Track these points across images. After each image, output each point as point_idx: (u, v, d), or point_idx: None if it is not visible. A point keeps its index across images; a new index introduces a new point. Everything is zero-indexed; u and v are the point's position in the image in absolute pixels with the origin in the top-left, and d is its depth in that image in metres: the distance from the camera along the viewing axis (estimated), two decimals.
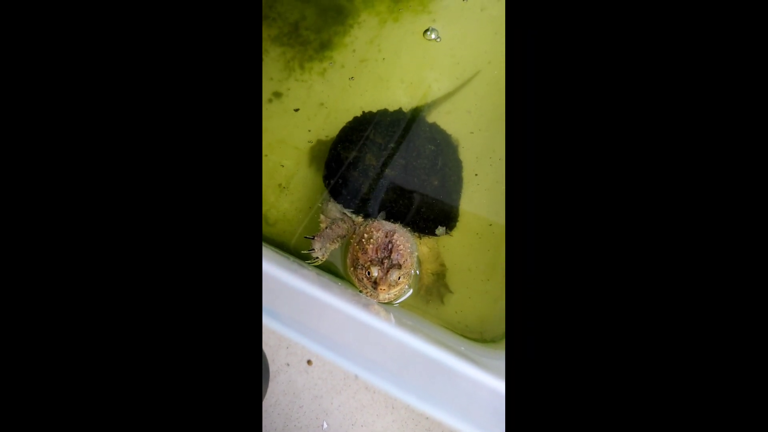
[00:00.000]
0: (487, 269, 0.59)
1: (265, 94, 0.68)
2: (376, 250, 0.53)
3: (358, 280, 0.54)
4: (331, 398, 0.67)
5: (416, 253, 0.58)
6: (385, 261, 0.53)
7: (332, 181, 0.59)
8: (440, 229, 0.58)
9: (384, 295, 0.53)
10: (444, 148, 0.62)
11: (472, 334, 0.57)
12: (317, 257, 0.57)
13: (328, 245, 0.58)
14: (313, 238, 0.58)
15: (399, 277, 0.52)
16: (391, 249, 0.53)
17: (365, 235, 0.54)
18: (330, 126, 0.66)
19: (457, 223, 0.60)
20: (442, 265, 0.58)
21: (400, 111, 0.64)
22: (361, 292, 0.55)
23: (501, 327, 0.57)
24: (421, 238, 0.58)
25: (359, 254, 0.54)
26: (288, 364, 0.68)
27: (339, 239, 0.59)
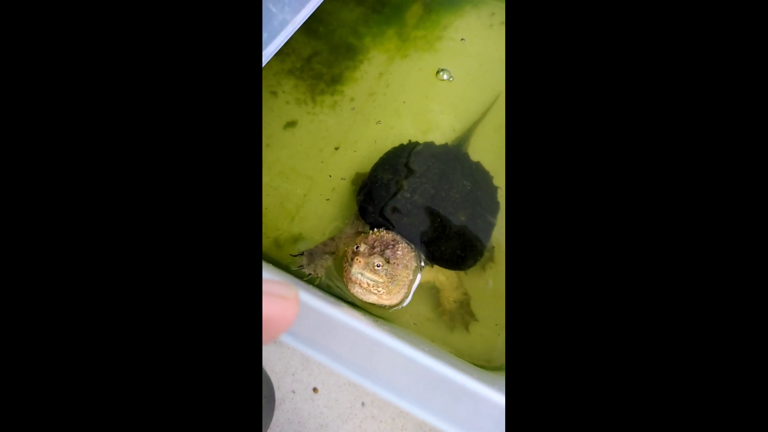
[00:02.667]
0: (494, 297, 0.60)
1: (279, 123, 0.71)
2: (374, 241, 0.54)
3: (345, 258, 0.55)
4: (337, 427, 0.66)
5: (414, 277, 0.57)
6: (376, 248, 0.53)
7: (362, 197, 0.61)
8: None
9: (356, 270, 0.52)
10: (483, 187, 0.63)
11: (478, 361, 0.57)
12: (310, 273, 0.57)
13: (318, 261, 0.58)
14: (302, 254, 0.58)
15: (379, 265, 0.51)
16: (388, 248, 0.53)
17: (375, 232, 0.55)
18: (340, 157, 0.68)
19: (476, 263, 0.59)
20: (465, 293, 0.58)
21: (445, 145, 0.67)
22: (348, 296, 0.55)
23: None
24: (432, 266, 0.58)
25: (360, 240, 0.54)
26: (294, 392, 0.67)
27: (329, 256, 0.59)
